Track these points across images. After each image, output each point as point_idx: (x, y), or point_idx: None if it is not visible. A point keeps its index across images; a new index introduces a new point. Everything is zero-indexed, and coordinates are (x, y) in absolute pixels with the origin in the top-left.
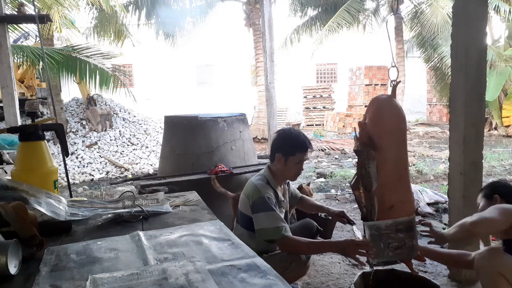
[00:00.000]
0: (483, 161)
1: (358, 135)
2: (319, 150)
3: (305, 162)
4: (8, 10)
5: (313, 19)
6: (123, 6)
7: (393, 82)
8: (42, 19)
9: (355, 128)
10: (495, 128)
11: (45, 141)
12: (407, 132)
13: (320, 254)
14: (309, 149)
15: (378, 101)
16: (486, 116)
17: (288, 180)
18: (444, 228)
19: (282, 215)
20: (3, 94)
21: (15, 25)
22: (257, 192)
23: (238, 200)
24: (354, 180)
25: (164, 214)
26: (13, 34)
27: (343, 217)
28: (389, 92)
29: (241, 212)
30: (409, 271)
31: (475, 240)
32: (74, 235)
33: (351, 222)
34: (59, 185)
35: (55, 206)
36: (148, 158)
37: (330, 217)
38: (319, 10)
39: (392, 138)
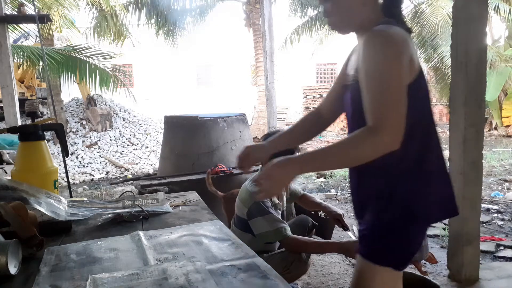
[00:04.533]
0: (483, 161)
1: None
2: None
3: None
4: (8, 10)
5: (313, 19)
6: (123, 6)
7: None
8: (42, 19)
9: None
10: (495, 128)
11: (45, 141)
12: None
13: (322, 254)
14: (296, 151)
15: None
16: (486, 116)
17: None
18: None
19: (279, 217)
20: (3, 94)
21: (15, 25)
22: (252, 198)
23: (228, 199)
24: None
25: (164, 214)
26: (13, 34)
27: (338, 220)
28: None
29: (237, 216)
30: (411, 271)
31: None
32: (74, 235)
33: (345, 228)
34: (59, 185)
35: (55, 206)
36: (148, 158)
37: None
38: (319, 10)
39: None
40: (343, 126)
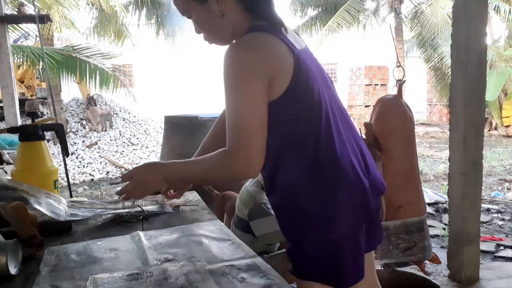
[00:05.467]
0: (483, 161)
1: (364, 136)
2: None
3: None
4: (8, 10)
5: (313, 19)
6: (123, 6)
7: (399, 82)
8: (42, 19)
9: (360, 129)
10: (495, 128)
11: (45, 141)
12: None
13: None
14: None
15: (383, 101)
16: (486, 116)
17: None
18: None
19: None
20: (3, 94)
21: (15, 25)
22: (253, 199)
23: (224, 199)
24: None
25: (164, 214)
26: (13, 34)
27: None
28: (390, 91)
29: (238, 216)
30: (411, 271)
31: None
32: (74, 235)
33: None
34: (59, 185)
35: (55, 206)
36: (148, 158)
37: None
38: (319, 10)
39: (398, 138)
40: None
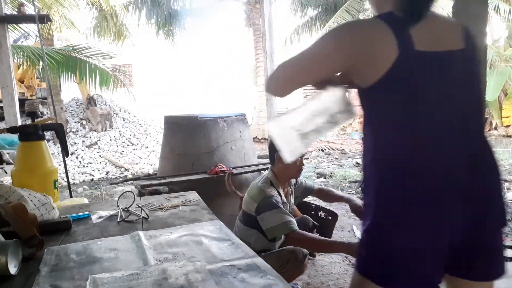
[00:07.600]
0: None
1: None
2: (319, 150)
3: (305, 160)
4: (8, 10)
5: (313, 19)
6: (123, 6)
7: None
8: (42, 19)
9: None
10: (495, 128)
11: (45, 141)
12: None
13: (327, 253)
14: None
15: None
16: (486, 116)
17: (293, 180)
18: None
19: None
20: (3, 94)
21: (15, 25)
22: (262, 193)
23: None
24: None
25: (164, 214)
26: (13, 34)
27: (361, 213)
28: None
29: (244, 211)
30: None
31: None
32: (74, 235)
33: None
34: (59, 185)
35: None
36: (148, 158)
37: (330, 217)
38: (319, 10)
39: None
40: (343, 126)
